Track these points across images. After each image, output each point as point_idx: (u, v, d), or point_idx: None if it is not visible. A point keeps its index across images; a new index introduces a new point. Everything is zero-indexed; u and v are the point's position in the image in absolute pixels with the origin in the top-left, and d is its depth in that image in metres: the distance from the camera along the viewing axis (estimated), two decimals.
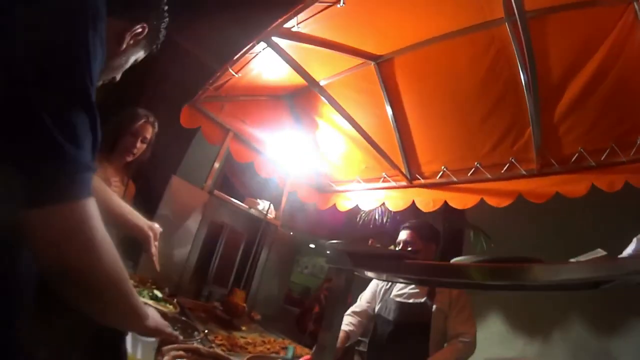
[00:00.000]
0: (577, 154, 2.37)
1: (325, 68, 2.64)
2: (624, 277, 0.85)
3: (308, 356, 1.88)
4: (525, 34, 1.96)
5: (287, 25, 2.00)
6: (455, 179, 2.76)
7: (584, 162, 2.37)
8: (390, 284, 2.27)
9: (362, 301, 2.34)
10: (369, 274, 1.39)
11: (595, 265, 0.88)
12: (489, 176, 2.65)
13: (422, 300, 2.14)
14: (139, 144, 2.00)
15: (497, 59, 2.25)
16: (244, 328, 2.29)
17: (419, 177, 2.95)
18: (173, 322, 1.58)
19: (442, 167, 2.79)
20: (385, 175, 3.10)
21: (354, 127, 2.75)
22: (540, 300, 3.66)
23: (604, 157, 2.29)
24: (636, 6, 1.94)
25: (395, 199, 3.09)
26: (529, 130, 2.44)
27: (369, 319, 2.30)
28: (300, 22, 1.97)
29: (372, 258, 1.24)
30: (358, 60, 2.53)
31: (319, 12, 1.92)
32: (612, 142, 2.25)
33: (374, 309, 2.28)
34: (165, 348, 1.30)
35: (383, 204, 3.20)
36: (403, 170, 2.94)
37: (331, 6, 1.86)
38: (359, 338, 2.43)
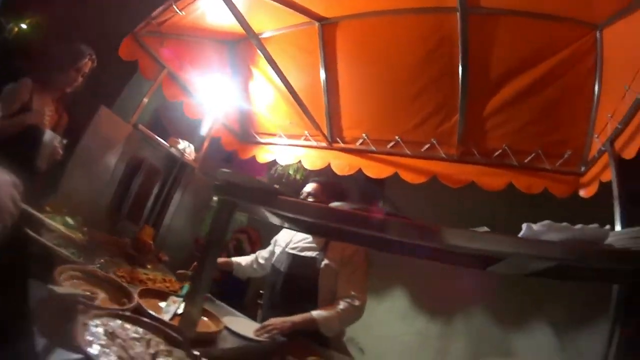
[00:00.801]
0: (500, 150, 3.02)
1: (270, 20, 3.27)
2: (509, 257, 1.10)
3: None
4: (464, 24, 2.62)
5: None
6: (373, 148, 3.50)
7: (507, 159, 3.03)
8: (290, 238, 2.71)
9: (263, 251, 2.88)
10: (251, 211, 1.77)
11: (480, 237, 1.12)
12: (407, 152, 3.37)
13: (314, 254, 2.53)
14: (79, 79, 2.62)
15: (440, 44, 2.85)
16: (149, 266, 2.65)
17: (339, 140, 3.68)
18: (79, 247, 2.04)
19: (363, 135, 3.52)
20: (307, 134, 3.81)
21: (283, 82, 3.35)
22: (445, 284, 4.39)
23: (528, 159, 2.95)
24: (598, 35, 2.58)
25: (312, 158, 3.81)
26: (456, 117, 3.12)
27: (263, 267, 2.84)
28: None
29: (252, 190, 1.52)
30: (303, 19, 3.17)
31: None
32: (539, 148, 2.91)
33: (270, 261, 2.76)
34: (61, 267, 1.54)
35: (300, 161, 3.92)
36: (325, 132, 3.65)
37: None
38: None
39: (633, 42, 2.19)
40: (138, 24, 3.05)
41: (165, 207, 3.71)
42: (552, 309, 4.19)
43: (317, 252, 2.53)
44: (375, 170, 3.48)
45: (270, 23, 3.30)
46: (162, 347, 1.27)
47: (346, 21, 3.11)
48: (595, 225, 1.09)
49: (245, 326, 2.10)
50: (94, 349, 1.07)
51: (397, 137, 3.33)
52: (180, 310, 1.80)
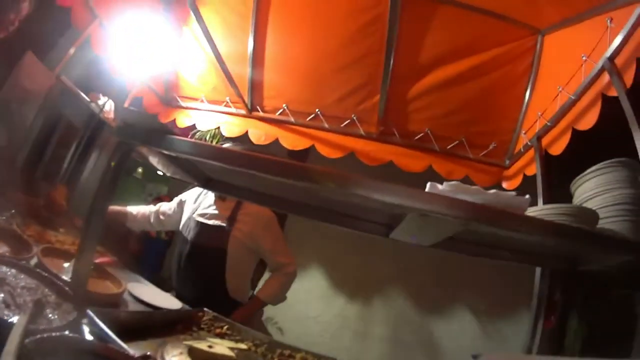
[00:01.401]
0: (422, 134, 3.46)
1: None
2: (411, 213, 1.19)
3: (108, 259, 2.47)
4: (394, 6, 2.95)
5: None
6: (292, 119, 3.90)
7: (428, 143, 3.48)
8: (198, 203, 3.04)
9: (165, 206, 3.25)
10: (159, 163, 1.90)
11: (386, 187, 1.18)
12: (326, 125, 3.80)
13: (222, 223, 2.85)
14: (16, 24, 2.67)
15: (373, 22, 3.16)
16: (62, 230, 2.76)
17: (259, 109, 4.06)
18: None
19: (283, 105, 3.90)
20: (229, 100, 4.15)
21: (209, 44, 3.65)
22: (365, 266, 5.01)
23: (450, 146, 3.42)
24: (539, 39, 3.02)
25: (231, 125, 4.17)
26: (378, 96, 3.51)
27: (162, 224, 3.24)
28: None
29: (148, 131, 1.58)
30: None
31: None
32: (463, 136, 3.37)
33: (177, 222, 3.12)
34: None
35: (218, 127, 4.36)
36: (245, 99, 3.99)
37: None
38: None
39: (573, 51, 2.53)
40: None
41: (80, 167, 4.01)
42: (471, 295, 4.72)
43: (224, 221, 2.86)
44: (291, 141, 3.87)
45: None
46: (52, 299, 1.38)
47: None
48: (512, 193, 1.15)
49: (152, 294, 2.27)
50: None
51: (317, 110, 3.69)
52: None
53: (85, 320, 1.32)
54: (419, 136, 3.45)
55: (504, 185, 3.30)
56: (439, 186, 1.15)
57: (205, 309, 2.12)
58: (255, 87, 3.97)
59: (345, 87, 3.56)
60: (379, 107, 3.44)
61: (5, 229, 1.90)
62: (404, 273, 4.97)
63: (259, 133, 4.00)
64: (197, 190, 3.18)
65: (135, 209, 3.26)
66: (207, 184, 2.12)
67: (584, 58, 2.36)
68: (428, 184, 1.17)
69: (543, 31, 2.91)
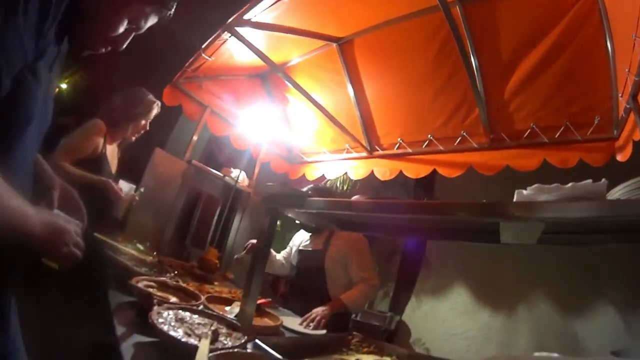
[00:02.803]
0: (529, 130, 3.38)
1: (291, 50, 4.13)
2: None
3: (265, 300, 2.71)
4: (463, 16, 3.09)
5: (246, 16, 3.14)
6: (410, 150, 4.16)
7: (537, 138, 3.38)
8: (300, 240, 3.77)
9: (283, 252, 3.95)
10: (289, 213, 2.21)
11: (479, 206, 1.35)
12: (441, 148, 3.96)
13: (318, 248, 3.54)
14: (147, 127, 3.22)
15: (447, 40, 3.31)
16: (216, 283, 3.23)
17: (377, 148, 4.45)
18: (150, 266, 2.66)
19: (398, 139, 4.21)
20: (348, 147, 4.64)
21: (314, 105, 4.26)
22: (506, 275, 5.04)
23: (558, 134, 3.27)
24: None
25: (356, 169, 4.63)
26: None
27: (284, 266, 3.86)
28: (259, 13, 3.10)
29: (288, 197, 2.04)
30: (321, 42, 3.98)
31: (275, 3, 2.99)
32: (566, 119, 3.20)
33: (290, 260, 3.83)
34: (136, 278, 2.04)
35: (346, 173, 4.78)
36: (363, 143, 4.46)
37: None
38: None
39: None
40: (176, 74, 3.98)
41: (226, 231, 4.70)
42: (613, 290, 4.52)
43: (320, 247, 3.54)
44: (414, 170, 4.12)
45: (292, 52, 4.14)
46: (223, 330, 1.67)
47: (360, 37, 3.82)
48: (588, 181, 1.19)
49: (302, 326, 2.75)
50: (164, 328, 1.44)
51: (429, 136, 3.91)
52: None
53: (250, 345, 1.60)
54: (526, 134, 3.39)
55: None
56: (524, 192, 1.28)
57: (354, 332, 2.28)
58: (369, 129, 4.36)
59: (447, 108, 3.73)
60: (481, 117, 3.52)
61: (174, 286, 2.25)
62: (543, 276, 4.95)
63: (383, 170, 4.34)
64: (299, 233, 3.91)
65: (274, 253, 3.85)
66: (343, 226, 2.37)
67: None
68: (516, 193, 1.30)
69: None
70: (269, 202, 2.11)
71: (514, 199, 1.29)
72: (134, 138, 3.24)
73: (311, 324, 2.80)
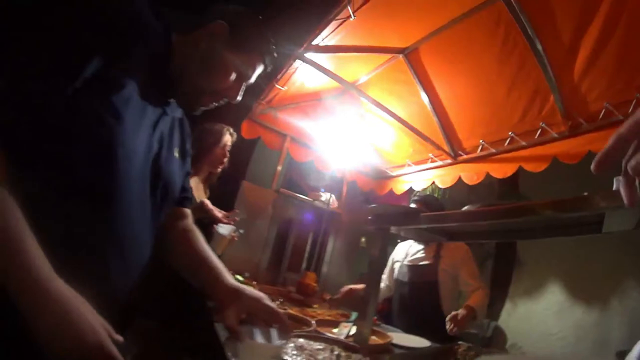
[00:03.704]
0: (603, 110, 3.32)
1: (360, 67, 4.35)
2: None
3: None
4: (517, 3, 3.16)
5: (314, 42, 3.34)
6: (493, 150, 4.19)
7: (612, 117, 3.30)
8: (406, 253, 3.85)
9: (383, 275, 3.94)
10: (400, 231, 2.36)
11: (580, 201, 1.41)
12: (523, 143, 4.02)
13: (430, 262, 3.58)
14: (226, 155, 3.30)
15: (508, 33, 3.34)
16: (315, 306, 3.47)
17: (461, 153, 4.52)
18: None
19: (480, 141, 4.27)
20: (432, 156, 4.78)
21: (393, 117, 4.46)
22: (596, 267, 5.04)
23: (631, 108, 3.14)
24: None
25: (443, 177, 4.75)
26: (552, 95, 3.65)
27: (389, 287, 3.93)
28: (325, 37, 3.32)
29: (398, 215, 2.09)
30: (388, 56, 4.19)
31: (339, 26, 3.19)
32: (636, 92, 3.11)
33: (392, 278, 3.88)
34: None
35: (433, 182, 4.94)
36: (446, 149, 4.59)
37: (345, 21, 3.10)
38: None
39: None
40: (251, 108, 4.40)
41: (321, 254, 5.03)
42: None
43: (431, 260, 3.60)
44: (500, 171, 4.18)
45: (360, 70, 4.36)
46: (343, 353, 1.75)
47: (424, 44, 3.97)
48: None
49: (407, 339, 2.76)
50: (286, 357, 1.52)
51: (510, 133, 3.95)
52: (352, 332, 2.39)
53: None
54: (601, 114, 3.35)
55: None
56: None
57: (459, 342, 2.45)
58: (450, 134, 4.48)
59: (522, 102, 3.76)
60: (557, 105, 3.53)
61: (285, 312, 2.35)
62: (637, 262, 4.93)
63: (470, 174, 4.45)
64: (400, 247, 4.03)
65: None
66: (452, 237, 2.40)
67: None
68: (614, 180, 1.30)
69: None
70: (377, 222, 2.18)
71: (615, 187, 1.30)
72: (219, 169, 3.37)
73: (454, 328, 2.99)
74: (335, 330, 2.49)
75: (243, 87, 1.42)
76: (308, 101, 4.82)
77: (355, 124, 5.06)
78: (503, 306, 4.93)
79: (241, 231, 3.43)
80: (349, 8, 3.00)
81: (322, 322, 2.59)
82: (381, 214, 2.19)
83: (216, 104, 1.40)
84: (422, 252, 3.75)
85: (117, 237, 1.11)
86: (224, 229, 3.18)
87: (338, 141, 4.90)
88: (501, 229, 2.01)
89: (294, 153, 5.07)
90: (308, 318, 2.49)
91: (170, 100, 1.32)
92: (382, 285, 3.96)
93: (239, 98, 1.42)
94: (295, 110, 4.82)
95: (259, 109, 4.44)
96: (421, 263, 3.68)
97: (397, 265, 3.88)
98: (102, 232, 1.06)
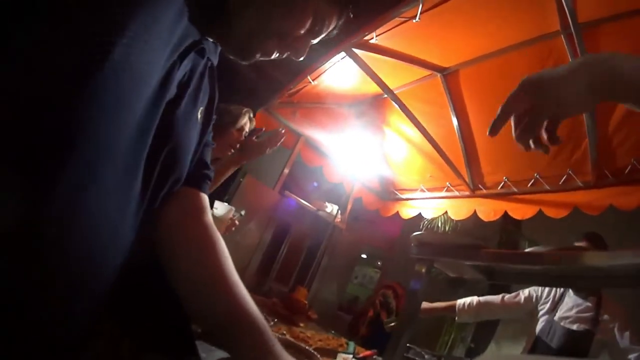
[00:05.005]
0: (630, 166, 3.54)
1: (394, 78, 4.35)
2: None
3: (369, 352, 2.83)
4: (581, 46, 3.24)
5: (366, 37, 3.28)
6: (515, 190, 4.31)
7: (637, 174, 3.54)
8: (553, 302, 3.33)
9: (512, 298, 3.55)
10: (448, 268, 2.19)
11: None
12: (547, 187, 4.14)
13: (587, 327, 3.01)
14: (242, 139, 3.01)
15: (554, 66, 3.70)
16: (302, 325, 3.33)
17: (481, 187, 4.61)
18: None
19: (504, 178, 4.38)
20: (449, 185, 4.85)
21: (423, 134, 4.47)
22: None
23: None
24: None
25: (457, 208, 4.84)
26: (585, 142, 3.78)
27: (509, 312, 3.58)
28: (378, 35, 3.28)
29: (451, 247, 1.94)
30: (425, 72, 4.23)
31: (395, 27, 3.16)
32: None
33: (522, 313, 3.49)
34: None
35: (445, 212, 5.00)
36: (467, 180, 4.68)
37: (407, 21, 3.06)
38: (411, 345, 3.78)
39: None
40: (274, 97, 4.34)
41: (316, 268, 4.95)
42: None
43: (589, 324, 3.04)
44: (519, 211, 4.31)
45: (395, 81, 4.37)
46: None
47: (465, 68, 4.08)
48: None
49: None
50: None
51: (535, 174, 4.12)
52: None
53: None
54: (627, 170, 3.58)
55: None
56: None
57: None
58: (473, 166, 4.58)
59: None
60: (590, 152, 3.68)
61: (281, 339, 2.30)
62: None
63: (487, 210, 4.56)
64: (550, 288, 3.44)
65: (462, 302, 3.59)
66: (492, 276, 2.27)
67: None
68: None
69: None
70: (422, 253, 2.06)
71: None
72: (232, 151, 3.10)
73: None
74: None
75: (309, 45, 1.12)
76: (332, 103, 4.87)
77: (374, 138, 5.11)
78: (487, 347, 5.14)
79: (242, 212, 3.23)
80: (420, 6, 2.96)
81: (318, 350, 2.47)
82: (428, 243, 2.06)
83: (277, 55, 1.11)
84: (581, 309, 3.20)
85: (62, 224, 0.73)
86: (221, 210, 2.94)
87: (353, 153, 4.93)
88: (557, 274, 1.94)
89: (305, 156, 5.10)
90: (309, 349, 2.35)
91: (209, 39, 1.02)
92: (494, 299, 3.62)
93: (304, 55, 1.13)
94: (316, 111, 4.89)
95: (279, 101, 4.45)
96: (577, 327, 3.12)
97: (541, 315, 3.41)
98: (33, 213, 0.69)
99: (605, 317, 3.07)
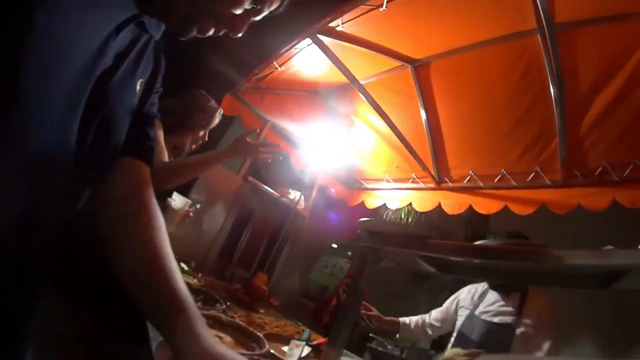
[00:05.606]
0: (600, 168, 3.56)
1: (363, 68, 4.31)
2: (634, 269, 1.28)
3: (324, 339, 2.79)
4: (553, 45, 3.05)
5: (332, 24, 3.23)
6: (481, 184, 4.31)
7: (607, 176, 3.55)
8: (476, 300, 3.43)
9: (436, 313, 3.69)
10: (394, 258, 2.21)
11: (606, 253, 1.31)
12: (514, 184, 4.16)
13: (510, 320, 3.09)
14: (206, 138, 3.08)
15: (528, 70, 3.42)
16: (262, 311, 3.37)
17: (447, 180, 4.61)
18: (196, 293, 2.68)
19: (470, 172, 4.36)
20: (415, 176, 4.86)
21: (389, 126, 4.45)
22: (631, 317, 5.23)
23: (627, 172, 3.44)
24: None
25: (422, 200, 4.88)
26: (555, 141, 3.80)
27: (438, 330, 3.69)
28: (344, 22, 3.22)
29: (398, 236, 1.87)
30: (396, 63, 4.18)
31: (362, 14, 3.12)
32: (637, 158, 3.37)
33: (452, 324, 3.50)
34: None
35: (410, 204, 5.03)
36: (432, 173, 4.66)
37: (374, 9, 3.04)
38: (374, 335, 3.88)
39: None
40: (240, 81, 4.29)
41: (277, 255, 4.94)
42: None
43: (512, 317, 3.10)
44: (484, 206, 4.32)
45: (364, 71, 4.33)
46: None
47: (437, 61, 4.05)
48: None
49: None
50: None
51: (503, 170, 4.12)
52: (304, 354, 2.32)
53: None
54: (598, 171, 3.60)
55: None
56: None
57: None
58: (439, 159, 4.57)
59: (523, 141, 3.89)
60: (560, 151, 3.68)
61: (227, 323, 2.32)
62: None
63: (452, 203, 4.58)
64: (472, 287, 3.64)
65: (407, 320, 3.75)
66: (444, 269, 2.15)
67: None
68: None
69: None
70: (368, 241, 1.98)
71: None
72: (190, 150, 3.10)
73: None
74: (285, 349, 2.41)
75: (248, 23, 1.11)
76: (300, 90, 4.84)
77: (342, 127, 5.11)
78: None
79: (198, 206, 3.32)
80: None
81: (271, 336, 2.50)
82: (375, 232, 1.96)
83: (213, 33, 1.09)
84: (502, 304, 3.29)
85: None
86: (178, 202, 3.01)
87: (321, 141, 4.94)
88: (504, 269, 1.93)
89: (272, 142, 4.91)
90: (258, 334, 2.33)
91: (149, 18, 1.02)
92: (426, 328, 3.77)
93: (241, 34, 1.12)
94: (284, 97, 4.84)
95: (246, 86, 4.38)
96: (498, 319, 3.20)
97: (462, 313, 3.48)
98: None
99: (529, 311, 3.15)
